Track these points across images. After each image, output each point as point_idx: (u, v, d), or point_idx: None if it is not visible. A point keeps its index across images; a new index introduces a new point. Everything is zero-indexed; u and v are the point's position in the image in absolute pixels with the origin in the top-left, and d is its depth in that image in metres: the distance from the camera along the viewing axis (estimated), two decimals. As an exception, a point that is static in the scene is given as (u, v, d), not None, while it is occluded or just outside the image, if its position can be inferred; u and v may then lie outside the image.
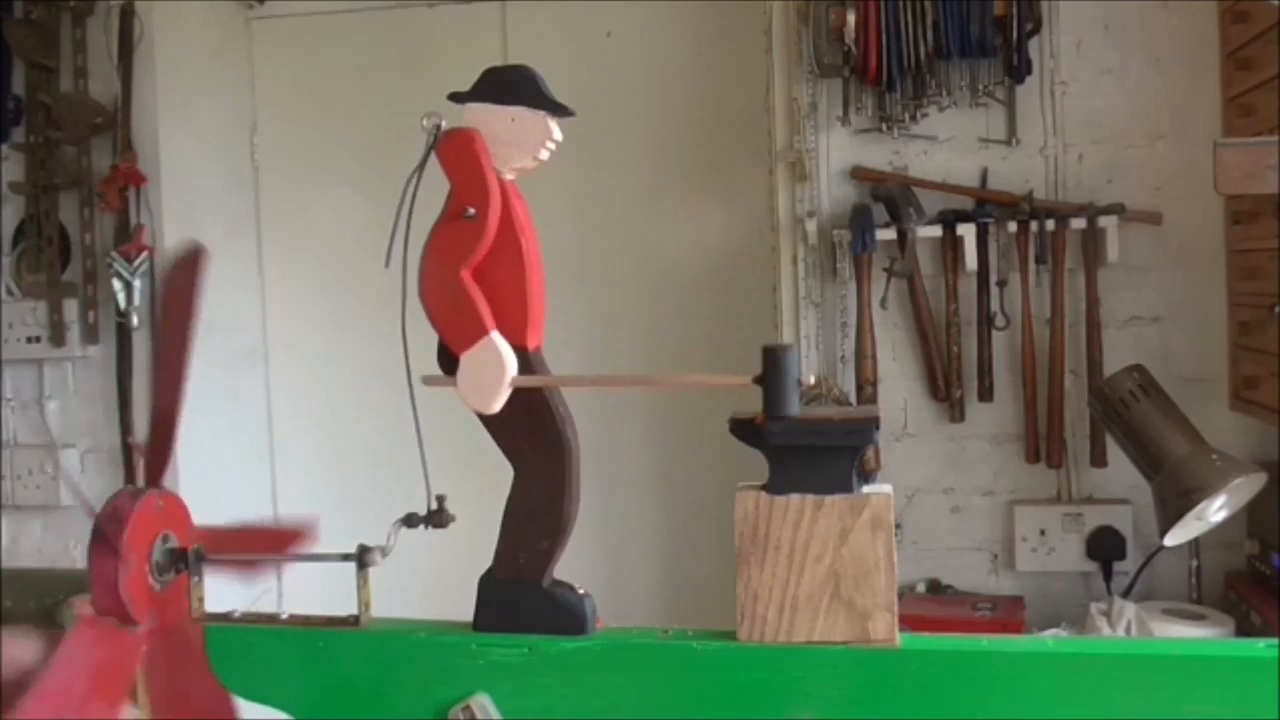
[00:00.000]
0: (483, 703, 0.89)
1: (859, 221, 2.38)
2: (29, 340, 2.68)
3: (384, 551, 0.94)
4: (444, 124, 0.93)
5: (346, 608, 0.97)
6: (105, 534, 0.87)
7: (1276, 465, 2.08)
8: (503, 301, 0.94)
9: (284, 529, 1.06)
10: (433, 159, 0.92)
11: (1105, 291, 2.36)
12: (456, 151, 0.93)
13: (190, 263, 0.98)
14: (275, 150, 3.04)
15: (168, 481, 0.99)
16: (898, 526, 2.40)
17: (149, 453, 0.91)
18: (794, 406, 0.84)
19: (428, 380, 0.91)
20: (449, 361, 0.97)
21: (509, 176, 0.96)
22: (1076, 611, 2.27)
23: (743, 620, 0.85)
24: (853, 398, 2.41)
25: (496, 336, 0.89)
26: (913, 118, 2.42)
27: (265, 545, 1.04)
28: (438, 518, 0.95)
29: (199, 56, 2.86)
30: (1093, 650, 0.82)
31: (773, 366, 0.85)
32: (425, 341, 0.94)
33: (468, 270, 0.91)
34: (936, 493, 2.49)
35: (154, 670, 0.89)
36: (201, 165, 2.85)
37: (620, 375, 0.83)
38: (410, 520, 0.94)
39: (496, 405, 0.89)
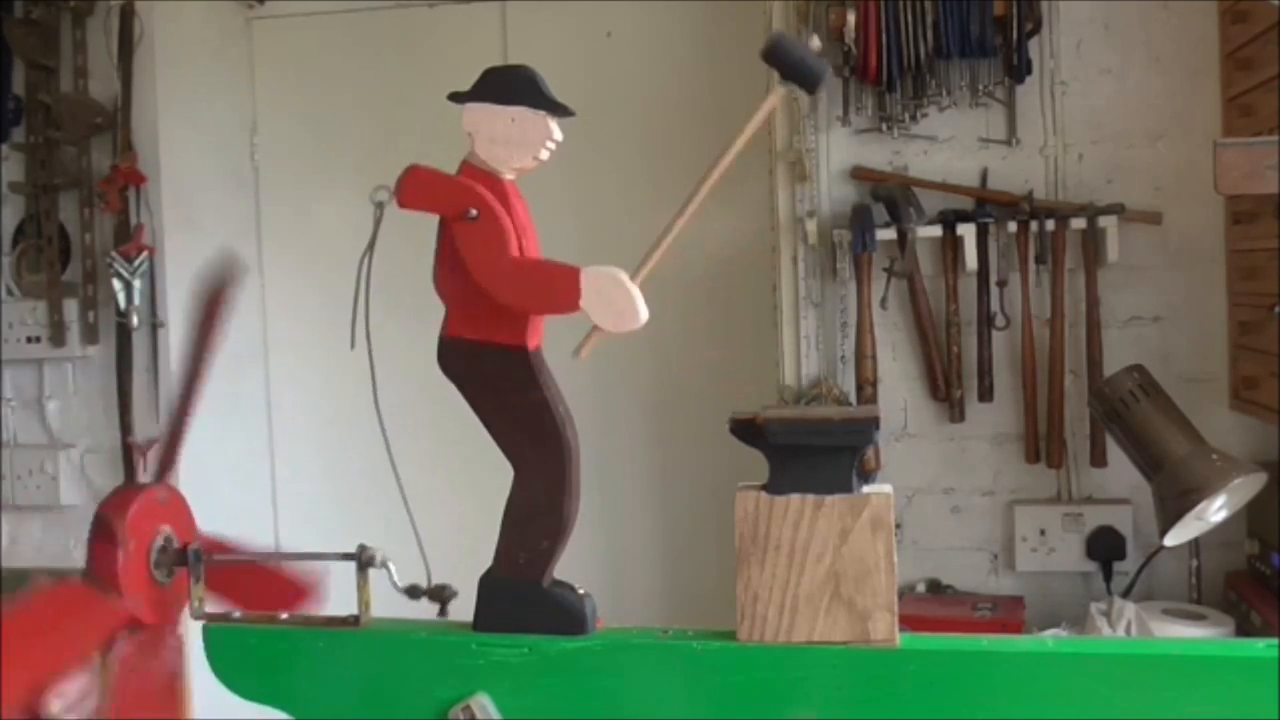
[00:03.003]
0: (483, 703, 0.89)
1: (859, 221, 2.38)
2: (29, 340, 2.68)
3: (383, 559, 0.95)
4: (387, 195, 0.94)
5: (346, 608, 0.97)
6: (107, 519, 0.87)
7: (1276, 465, 2.08)
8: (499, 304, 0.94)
9: (289, 580, 1.04)
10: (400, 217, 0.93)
11: (1105, 291, 2.36)
12: (413, 189, 0.94)
13: (229, 277, 0.99)
14: (275, 150, 3.03)
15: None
16: (898, 526, 2.40)
17: (161, 449, 0.91)
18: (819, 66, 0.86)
19: (579, 350, 0.93)
20: (449, 363, 0.97)
21: (509, 176, 0.96)
22: (1076, 611, 2.27)
23: (743, 620, 0.85)
24: (853, 398, 2.41)
25: (585, 269, 0.91)
26: (913, 118, 2.42)
27: (264, 590, 1.02)
28: (439, 593, 0.95)
29: (199, 56, 2.86)
30: (1093, 650, 0.82)
31: (776, 54, 0.87)
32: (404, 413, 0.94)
33: (515, 251, 0.92)
34: (936, 493, 2.49)
35: (123, 662, 0.89)
36: (201, 165, 2.85)
37: (677, 220, 0.84)
38: (413, 592, 0.95)
39: (642, 311, 0.90)
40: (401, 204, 0.94)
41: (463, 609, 0.97)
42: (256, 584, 1.00)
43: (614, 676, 0.88)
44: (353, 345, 0.93)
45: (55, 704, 0.78)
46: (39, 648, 0.80)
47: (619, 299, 0.90)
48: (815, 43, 0.95)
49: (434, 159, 1.00)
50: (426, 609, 0.99)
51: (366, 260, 0.94)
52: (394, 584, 0.94)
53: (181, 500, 0.97)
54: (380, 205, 0.93)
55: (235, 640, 0.94)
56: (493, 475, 0.98)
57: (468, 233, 0.92)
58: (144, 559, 0.90)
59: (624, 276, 0.91)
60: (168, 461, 0.92)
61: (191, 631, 0.96)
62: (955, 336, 2.40)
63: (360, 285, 0.93)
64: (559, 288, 0.90)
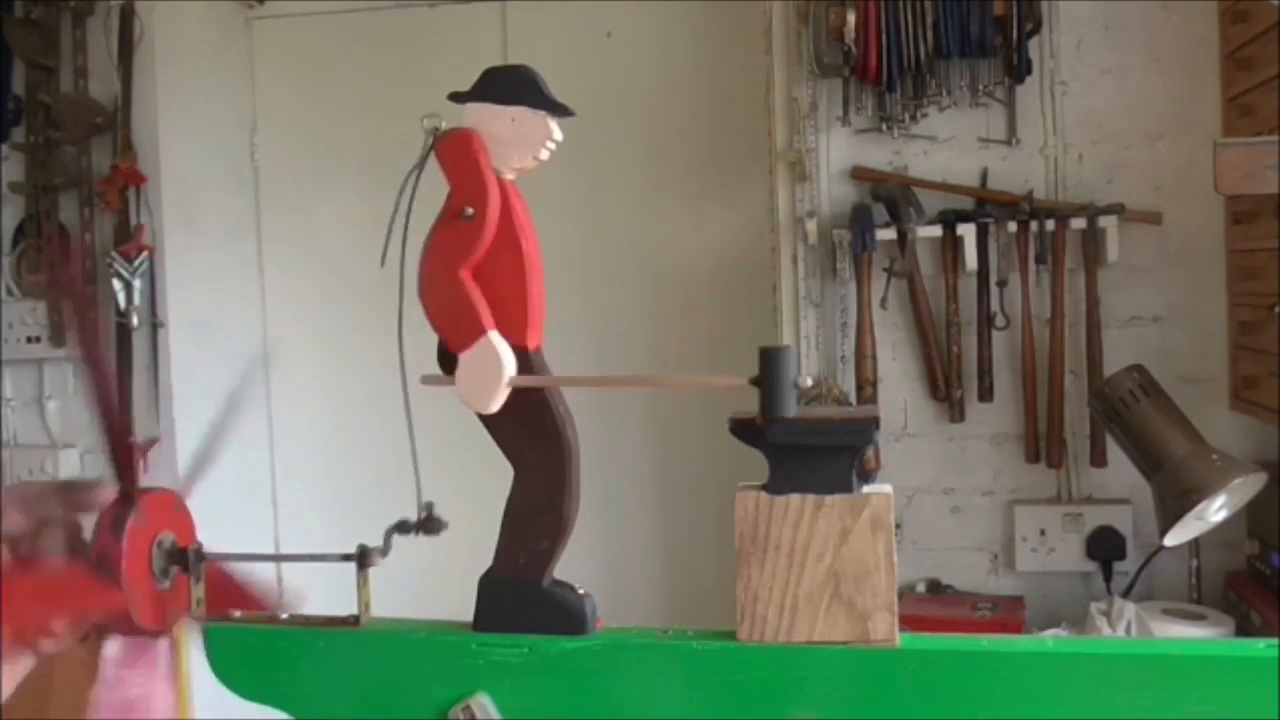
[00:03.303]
0: (483, 703, 0.89)
1: (859, 221, 2.38)
2: (29, 340, 2.68)
3: (383, 552, 0.94)
4: (444, 125, 0.92)
5: (346, 608, 0.97)
6: (102, 567, 0.86)
7: (1276, 465, 2.08)
8: (502, 302, 0.93)
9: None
10: (432, 160, 0.92)
11: (1105, 291, 2.36)
12: (454, 151, 0.93)
13: (66, 256, 0.97)
14: (275, 150, 3.04)
15: (168, 481, 0.99)
16: (898, 526, 2.40)
17: (109, 457, 0.90)
18: (791, 408, 0.84)
19: (426, 380, 0.91)
20: (449, 362, 0.97)
21: (509, 176, 0.96)
22: (1076, 611, 2.27)
23: (743, 620, 0.85)
24: (853, 398, 2.41)
25: (494, 336, 0.89)
26: (913, 118, 2.42)
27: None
28: (429, 524, 0.94)
29: (199, 56, 2.86)
30: (1093, 650, 0.82)
31: (771, 368, 0.85)
32: (424, 342, 0.94)
33: (466, 270, 0.91)
34: (936, 493, 2.49)
35: (116, 663, 0.89)
36: (201, 165, 2.85)
37: (616, 375, 0.82)
38: (403, 527, 0.94)
39: (494, 405, 0.89)
40: (437, 151, 0.93)
41: (463, 609, 0.97)
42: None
43: (614, 676, 0.88)
44: (382, 263, 0.92)
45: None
46: (27, 606, 0.78)
47: (486, 382, 0.89)
48: (809, 380, 0.94)
49: (433, 159, 1.00)
50: (426, 609, 0.99)
51: (415, 177, 0.92)
52: (391, 533, 0.93)
53: (179, 501, 0.97)
54: (433, 131, 0.92)
55: (235, 640, 0.94)
56: (493, 475, 0.98)
57: (449, 225, 0.92)
58: (145, 563, 0.89)
59: (507, 374, 0.90)
60: (125, 472, 0.90)
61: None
62: (955, 336, 2.40)
63: (400, 206, 0.91)
64: (462, 327, 0.90)
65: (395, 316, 0.97)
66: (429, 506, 0.95)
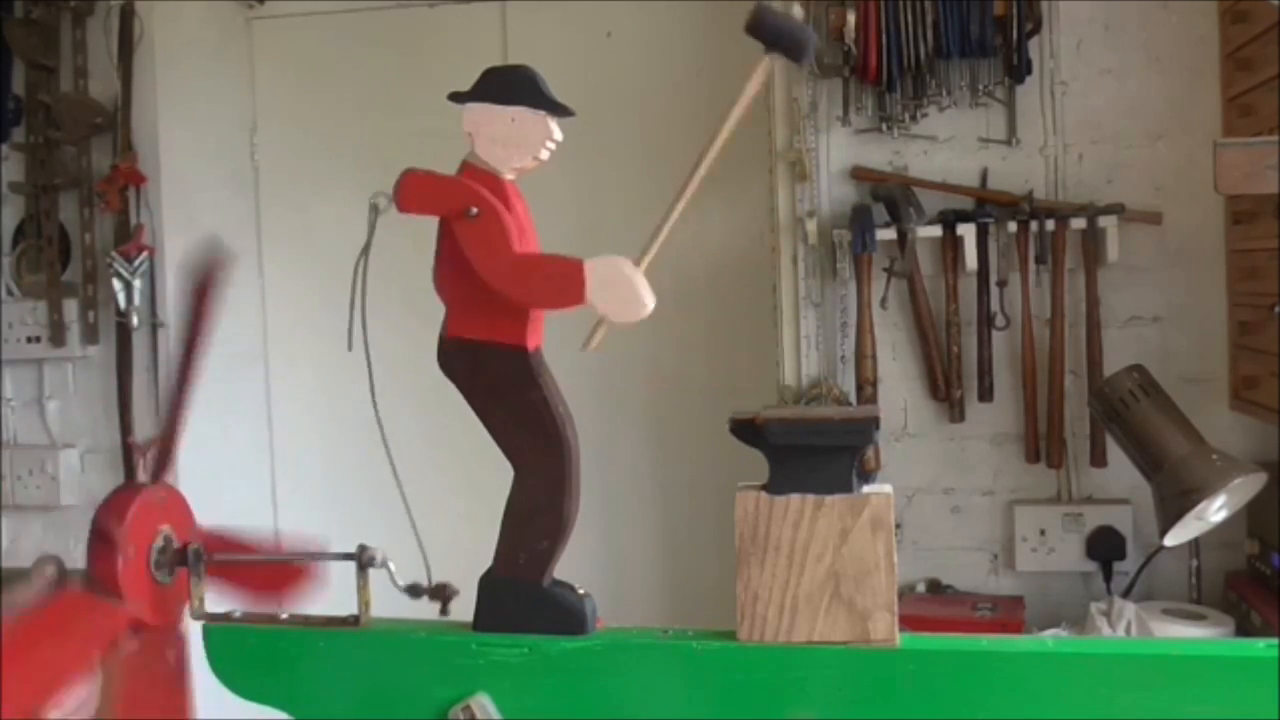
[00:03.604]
0: (483, 703, 0.89)
1: (859, 221, 2.38)
2: (29, 340, 2.68)
3: (374, 563, 0.95)
4: (384, 200, 0.94)
5: (346, 608, 0.97)
6: (105, 521, 0.87)
7: (1276, 465, 2.08)
8: (504, 301, 0.94)
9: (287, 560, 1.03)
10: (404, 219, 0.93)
11: (1105, 291, 2.36)
12: (412, 194, 0.94)
13: (213, 269, 1.01)
14: (275, 150, 3.03)
15: (169, 480, 0.99)
16: (898, 526, 2.39)
17: (157, 449, 0.91)
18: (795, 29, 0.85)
19: (588, 342, 0.93)
20: (450, 365, 0.97)
21: (509, 176, 0.96)
22: (1076, 611, 2.27)
23: (743, 620, 0.85)
24: (853, 398, 2.41)
25: (588, 261, 0.91)
26: (913, 118, 2.42)
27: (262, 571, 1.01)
28: (441, 593, 0.95)
29: (199, 56, 2.86)
30: (1093, 650, 0.82)
31: (761, 26, 0.88)
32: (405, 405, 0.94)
33: (518, 248, 0.92)
34: (936, 493, 2.49)
35: (128, 662, 0.89)
36: (201, 165, 2.85)
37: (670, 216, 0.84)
38: (414, 590, 0.95)
39: (647, 301, 0.91)
40: (401, 208, 0.94)
41: (463, 609, 0.97)
42: (255, 566, 1.00)
43: (614, 676, 0.88)
44: (350, 347, 0.93)
45: (53, 714, 0.78)
46: (41, 659, 0.80)
47: (624, 288, 0.90)
48: (798, 10, 0.96)
49: (434, 159, 1.00)
50: (427, 609, 0.99)
51: (362, 263, 0.94)
52: (394, 583, 0.94)
53: (180, 499, 0.97)
54: (375, 208, 0.94)
55: (235, 640, 0.94)
56: (493, 475, 0.98)
57: (469, 231, 0.92)
58: (144, 560, 0.90)
59: (628, 266, 0.91)
60: (164, 460, 0.92)
61: (192, 631, 0.96)
62: (955, 336, 2.40)
63: (356, 288, 0.93)
64: (564, 281, 0.91)
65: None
66: (445, 586, 0.96)
